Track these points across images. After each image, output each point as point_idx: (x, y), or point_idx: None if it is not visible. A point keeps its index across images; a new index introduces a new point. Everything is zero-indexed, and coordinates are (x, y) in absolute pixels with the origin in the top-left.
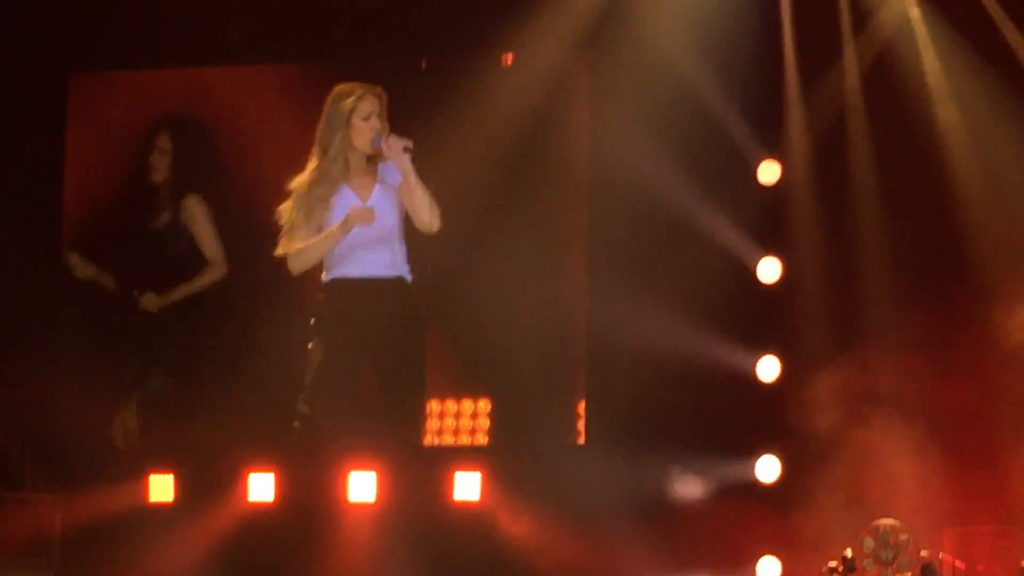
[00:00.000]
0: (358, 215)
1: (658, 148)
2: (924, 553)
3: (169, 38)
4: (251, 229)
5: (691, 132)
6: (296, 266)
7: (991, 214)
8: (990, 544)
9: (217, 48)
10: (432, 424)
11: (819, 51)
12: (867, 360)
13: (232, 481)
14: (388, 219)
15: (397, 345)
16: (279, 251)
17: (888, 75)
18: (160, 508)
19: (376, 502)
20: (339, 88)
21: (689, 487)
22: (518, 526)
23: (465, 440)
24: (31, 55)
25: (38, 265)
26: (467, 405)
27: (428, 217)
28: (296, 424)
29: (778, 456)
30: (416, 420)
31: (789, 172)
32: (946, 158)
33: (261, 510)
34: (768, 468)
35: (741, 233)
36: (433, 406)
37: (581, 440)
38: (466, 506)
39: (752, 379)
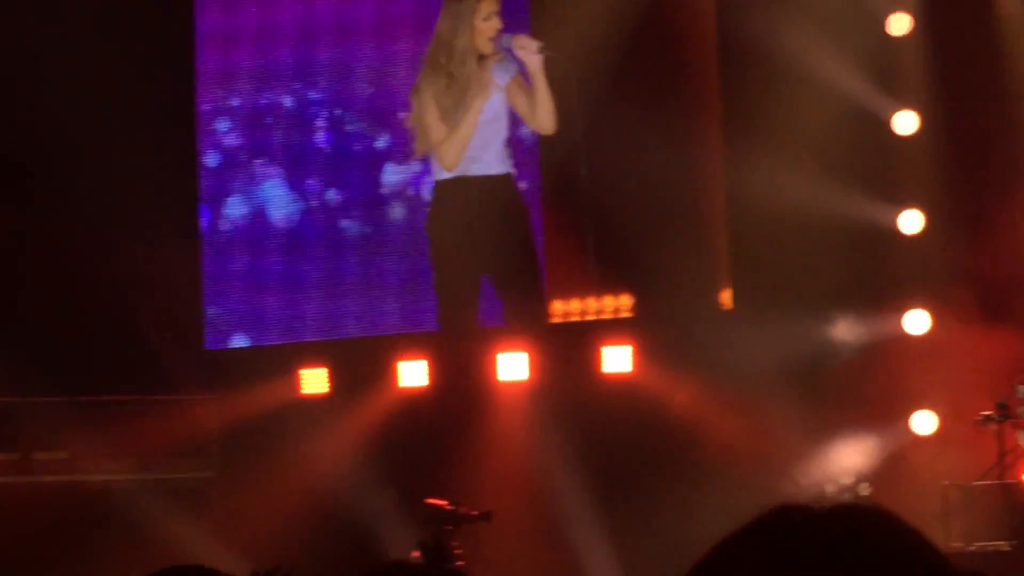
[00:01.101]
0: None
1: (786, 8)
2: None
3: None
4: None
5: None
6: (451, 156)
7: None
8: None
9: None
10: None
11: None
12: (1013, 203)
13: (384, 370)
14: (502, 118)
15: (514, 235)
16: (420, 148)
17: None
18: (314, 400)
19: (528, 379)
20: None
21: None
22: (671, 396)
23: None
24: None
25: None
26: (608, 302)
27: (548, 119)
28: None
29: (927, 309)
30: (542, 301)
31: (920, 25)
32: None
33: (414, 395)
34: (917, 321)
35: (874, 85)
36: (574, 305)
37: (729, 306)
38: (618, 378)
39: (895, 233)
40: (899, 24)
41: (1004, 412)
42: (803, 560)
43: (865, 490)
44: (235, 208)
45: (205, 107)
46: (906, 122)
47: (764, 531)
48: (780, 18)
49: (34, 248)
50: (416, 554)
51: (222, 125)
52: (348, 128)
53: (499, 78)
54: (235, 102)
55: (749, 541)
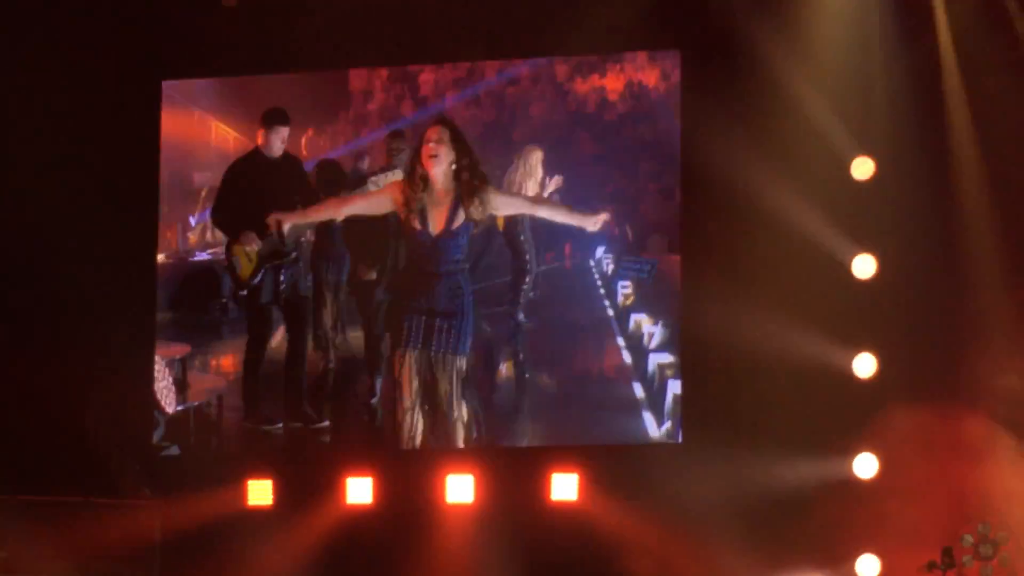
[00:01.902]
0: None
1: (750, 144)
2: None
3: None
4: None
5: (784, 129)
6: None
7: None
8: None
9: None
10: None
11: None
12: (968, 357)
13: (330, 485)
14: None
15: None
16: None
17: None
18: (259, 511)
19: (474, 503)
20: None
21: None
22: (616, 527)
23: None
24: (124, 62)
25: (134, 271)
26: None
27: None
28: None
29: (876, 454)
30: None
31: (882, 167)
32: None
33: (359, 512)
34: (866, 465)
35: (836, 227)
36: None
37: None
38: (564, 506)
39: (849, 375)
40: (862, 168)
41: (949, 560)
42: None
43: None
44: None
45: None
46: (865, 266)
47: None
48: (746, 152)
49: None
50: None
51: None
52: None
53: None
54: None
55: None
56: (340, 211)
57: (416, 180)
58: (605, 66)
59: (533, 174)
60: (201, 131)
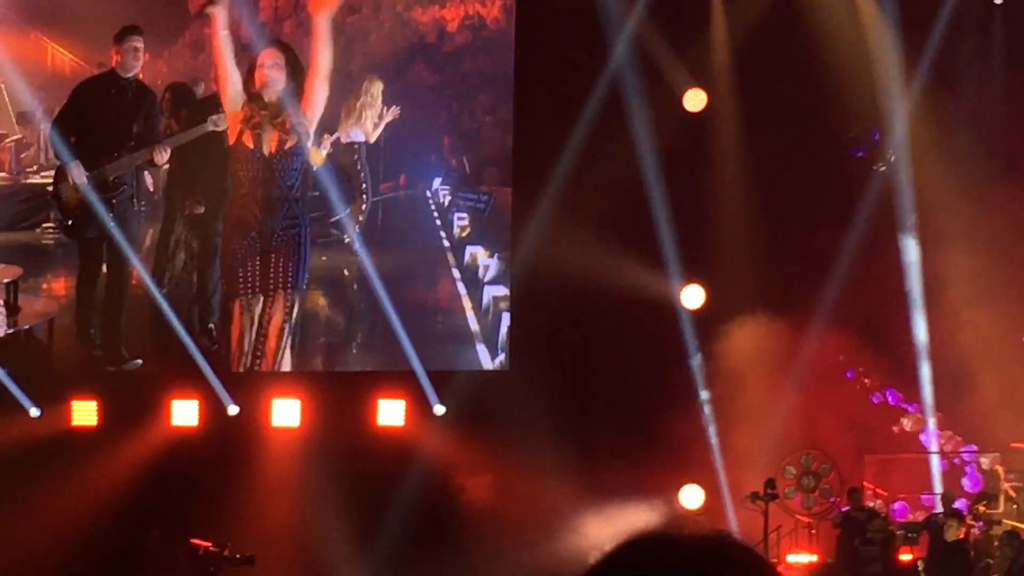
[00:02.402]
0: None
1: (585, 79)
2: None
3: None
4: None
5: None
6: None
7: None
8: (908, 472)
9: None
10: None
11: None
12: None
13: (156, 407)
14: None
15: None
16: None
17: None
18: (84, 432)
19: (300, 426)
20: None
21: None
22: (443, 451)
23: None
24: None
25: None
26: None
27: None
28: None
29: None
30: None
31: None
32: None
33: (185, 434)
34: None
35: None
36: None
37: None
38: (390, 431)
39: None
40: (694, 100)
41: (772, 491)
42: None
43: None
44: None
45: None
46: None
47: (630, 558)
48: (581, 85)
49: None
50: None
51: None
52: None
53: None
54: None
55: (611, 566)
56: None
57: (252, 102)
58: None
59: (373, 104)
60: (37, 53)
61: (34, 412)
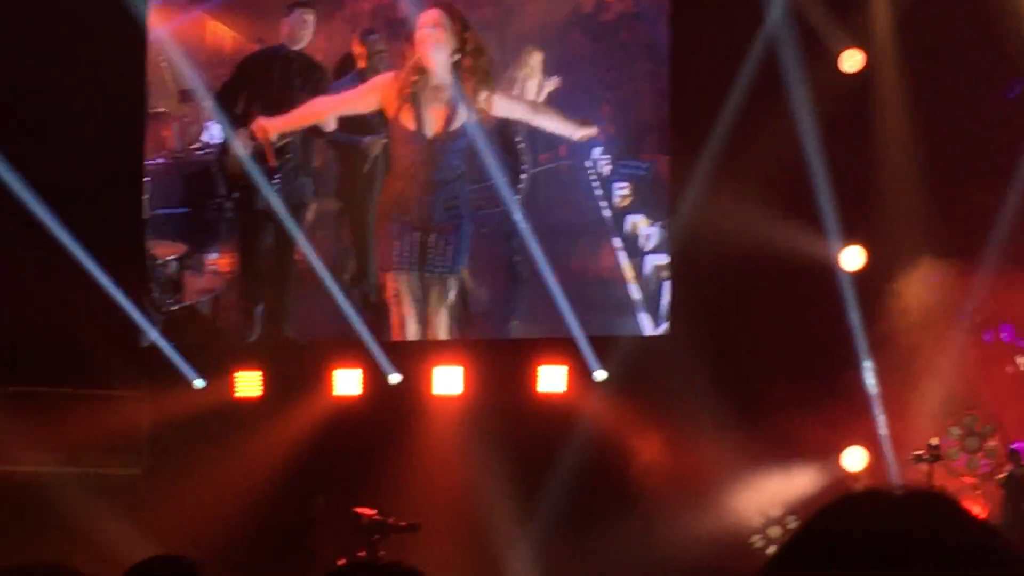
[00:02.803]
0: None
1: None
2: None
3: None
4: None
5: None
6: None
7: None
8: None
9: None
10: None
11: None
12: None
13: (319, 377)
14: None
15: None
16: None
17: None
18: (247, 402)
19: (462, 394)
20: None
21: None
22: (604, 418)
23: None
24: None
25: (123, 168)
26: None
27: None
28: None
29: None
30: None
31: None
32: None
33: (347, 404)
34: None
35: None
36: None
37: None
38: (551, 398)
39: (837, 268)
40: (852, 61)
41: (936, 452)
42: (879, 548)
43: (793, 524)
44: None
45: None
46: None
47: (842, 516)
48: (737, 52)
49: None
50: (342, 562)
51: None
52: None
53: None
54: None
55: (827, 527)
56: (326, 113)
57: (410, 72)
58: None
59: (534, 75)
60: (197, 30)
61: (198, 383)
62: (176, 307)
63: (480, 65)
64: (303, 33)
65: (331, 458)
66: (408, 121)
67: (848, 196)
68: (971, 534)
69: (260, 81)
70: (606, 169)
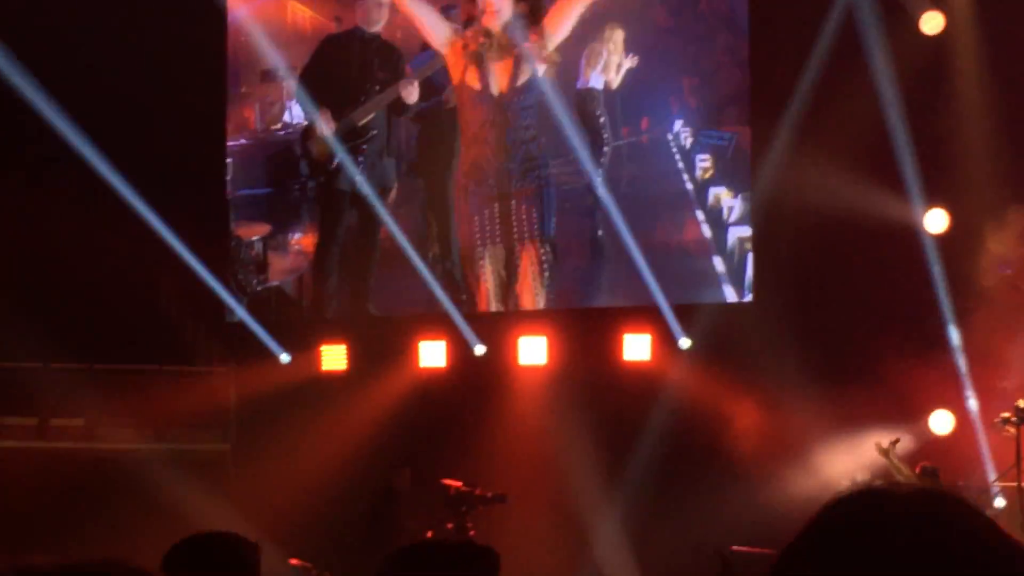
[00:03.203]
0: None
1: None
2: None
3: None
4: None
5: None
6: None
7: None
8: None
9: None
10: None
11: None
12: None
13: (404, 349)
14: None
15: None
16: None
17: None
18: (333, 376)
19: (547, 364)
20: None
21: None
22: (689, 386)
23: None
24: None
25: (205, 149)
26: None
27: None
28: None
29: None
30: None
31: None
32: None
33: (433, 376)
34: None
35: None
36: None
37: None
38: (637, 366)
39: (921, 231)
40: (932, 23)
41: (1022, 415)
42: (887, 544)
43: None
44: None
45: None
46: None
47: (848, 513)
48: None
49: (61, 220)
50: (429, 534)
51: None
52: None
53: None
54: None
55: (833, 525)
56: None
57: (476, 33)
58: None
59: (616, 51)
60: (277, 11)
61: (284, 358)
62: (261, 288)
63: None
64: (378, 15)
65: (417, 431)
66: (474, 80)
67: (929, 159)
68: (975, 532)
69: (339, 62)
70: (687, 141)
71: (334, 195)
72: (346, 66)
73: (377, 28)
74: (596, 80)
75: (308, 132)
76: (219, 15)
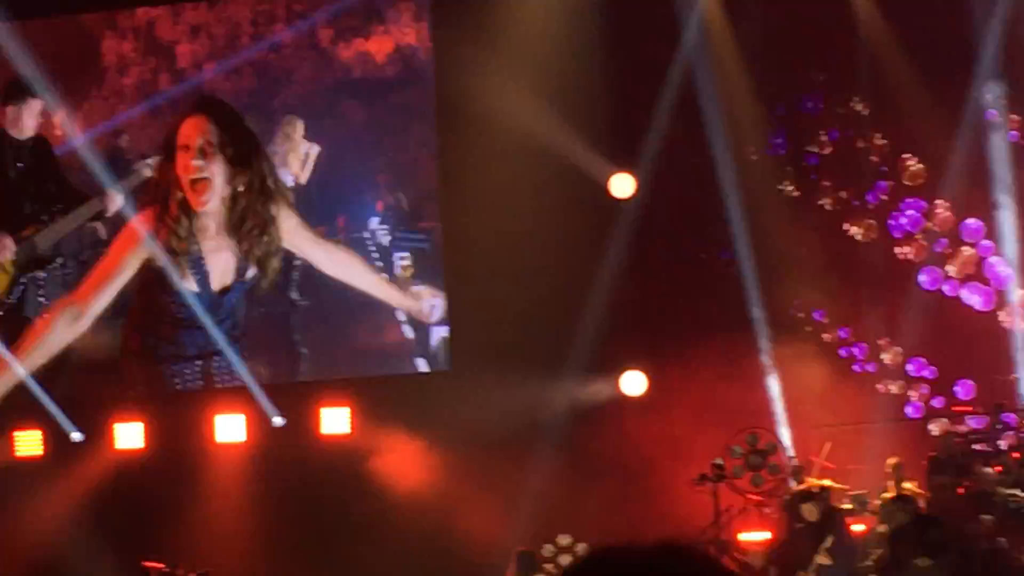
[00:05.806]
0: None
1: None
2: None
3: None
4: None
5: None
6: None
7: None
8: (858, 442)
9: None
10: None
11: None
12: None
13: (100, 432)
14: None
15: None
16: None
17: None
18: (28, 462)
19: (246, 441)
20: None
21: None
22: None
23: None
24: None
25: None
26: None
27: None
28: None
29: (643, 371)
30: None
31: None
32: None
33: (132, 456)
34: (634, 382)
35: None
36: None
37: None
38: (336, 439)
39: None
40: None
41: (720, 472)
42: None
43: (583, 551)
44: None
45: None
46: (623, 185)
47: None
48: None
49: None
50: None
51: None
52: None
53: None
54: None
55: None
56: (89, 299)
57: (175, 212)
58: (369, 28)
59: (295, 148)
60: None
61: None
62: None
63: (265, 192)
64: (28, 123)
65: (117, 513)
66: (188, 280)
67: None
68: None
69: None
70: (386, 240)
71: (23, 324)
72: (4, 180)
73: (29, 134)
74: (286, 177)
75: None
76: None
